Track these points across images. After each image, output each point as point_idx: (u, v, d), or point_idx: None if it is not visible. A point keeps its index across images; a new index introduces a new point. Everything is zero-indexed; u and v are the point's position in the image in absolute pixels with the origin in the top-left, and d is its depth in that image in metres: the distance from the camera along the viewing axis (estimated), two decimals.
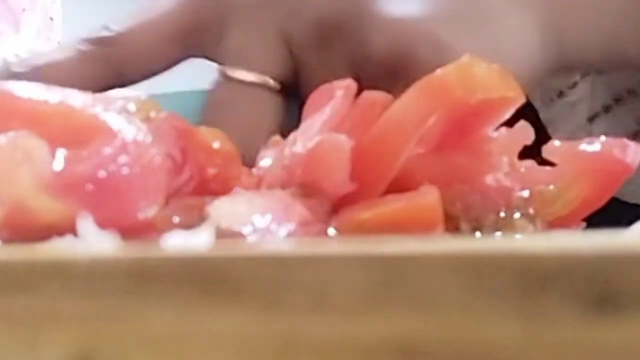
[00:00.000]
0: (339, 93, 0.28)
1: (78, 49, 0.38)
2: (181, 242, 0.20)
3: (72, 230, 0.22)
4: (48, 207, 0.23)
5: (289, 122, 0.33)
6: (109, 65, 0.38)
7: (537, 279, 0.14)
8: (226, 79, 0.37)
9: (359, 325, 0.14)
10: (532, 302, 0.14)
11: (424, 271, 0.14)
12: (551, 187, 0.28)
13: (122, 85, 0.38)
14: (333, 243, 0.16)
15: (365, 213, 0.26)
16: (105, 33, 0.38)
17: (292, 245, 0.17)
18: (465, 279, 0.14)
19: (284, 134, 0.30)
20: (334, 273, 0.15)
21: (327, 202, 0.26)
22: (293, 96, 0.37)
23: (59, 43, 1.34)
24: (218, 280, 0.15)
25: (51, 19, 1.36)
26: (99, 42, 0.38)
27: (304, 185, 0.26)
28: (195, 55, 0.39)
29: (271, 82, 0.36)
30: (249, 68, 0.37)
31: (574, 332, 0.13)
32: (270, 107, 0.37)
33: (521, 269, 0.14)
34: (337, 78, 0.30)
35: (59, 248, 0.18)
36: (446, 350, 0.14)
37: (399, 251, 0.14)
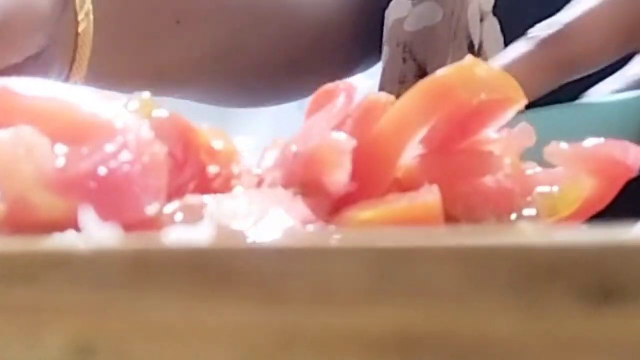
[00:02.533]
0: (341, 93, 0.28)
1: (528, 54, 0.33)
2: (182, 236, 0.20)
3: (73, 226, 0.22)
4: (50, 204, 0.23)
5: None
6: (558, 69, 0.33)
7: (539, 271, 0.14)
8: None
9: (359, 318, 0.14)
10: (535, 294, 0.14)
11: (425, 263, 0.14)
12: (553, 188, 0.28)
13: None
14: (334, 235, 0.16)
15: (366, 213, 0.25)
16: (551, 30, 0.33)
17: (293, 237, 0.17)
18: (467, 271, 0.14)
19: None
20: (334, 265, 0.15)
21: (328, 201, 0.26)
22: None
23: None
24: (219, 272, 0.15)
25: None
26: (548, 43, 0.33)
27: (305, 184, 0.26)
28: None
29: None
30: None
31: (576, 324, 0.13)
32: None
33: (524, 261, 0.14)
34: None
35: (60, 239, 0.18)
36: (447, 343, 0.14)
37: (400, 243, 0.14)
